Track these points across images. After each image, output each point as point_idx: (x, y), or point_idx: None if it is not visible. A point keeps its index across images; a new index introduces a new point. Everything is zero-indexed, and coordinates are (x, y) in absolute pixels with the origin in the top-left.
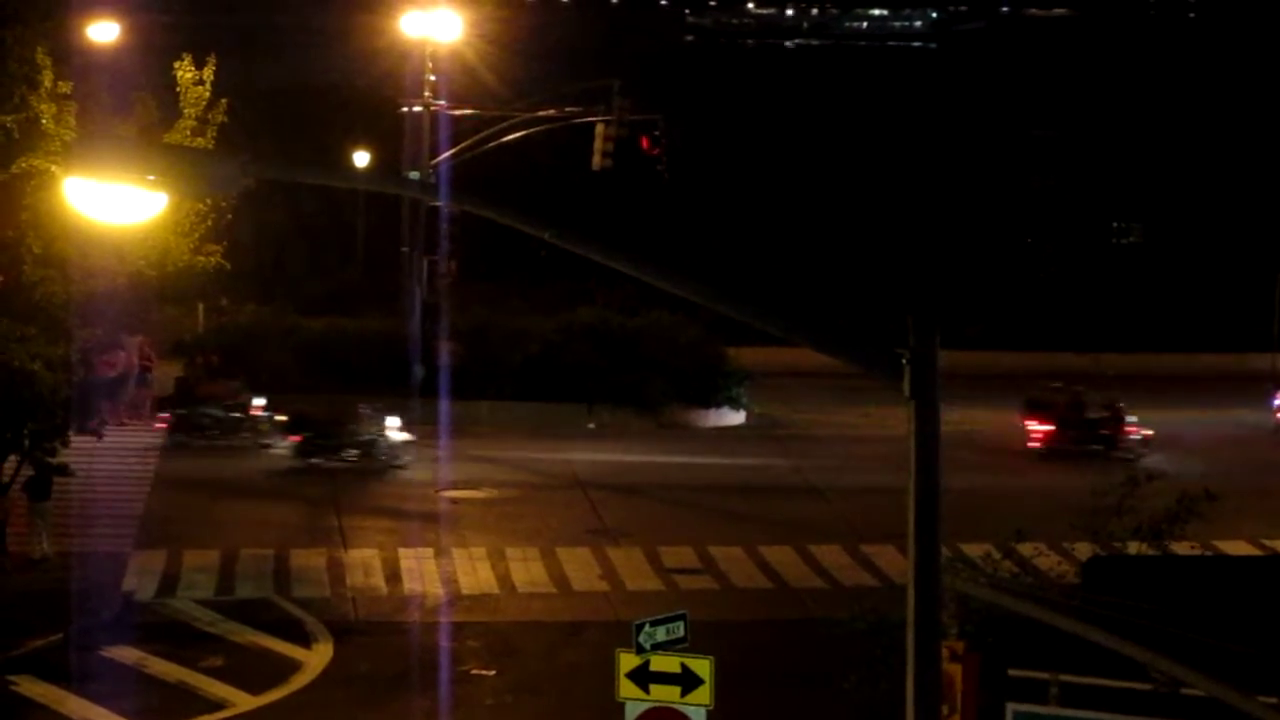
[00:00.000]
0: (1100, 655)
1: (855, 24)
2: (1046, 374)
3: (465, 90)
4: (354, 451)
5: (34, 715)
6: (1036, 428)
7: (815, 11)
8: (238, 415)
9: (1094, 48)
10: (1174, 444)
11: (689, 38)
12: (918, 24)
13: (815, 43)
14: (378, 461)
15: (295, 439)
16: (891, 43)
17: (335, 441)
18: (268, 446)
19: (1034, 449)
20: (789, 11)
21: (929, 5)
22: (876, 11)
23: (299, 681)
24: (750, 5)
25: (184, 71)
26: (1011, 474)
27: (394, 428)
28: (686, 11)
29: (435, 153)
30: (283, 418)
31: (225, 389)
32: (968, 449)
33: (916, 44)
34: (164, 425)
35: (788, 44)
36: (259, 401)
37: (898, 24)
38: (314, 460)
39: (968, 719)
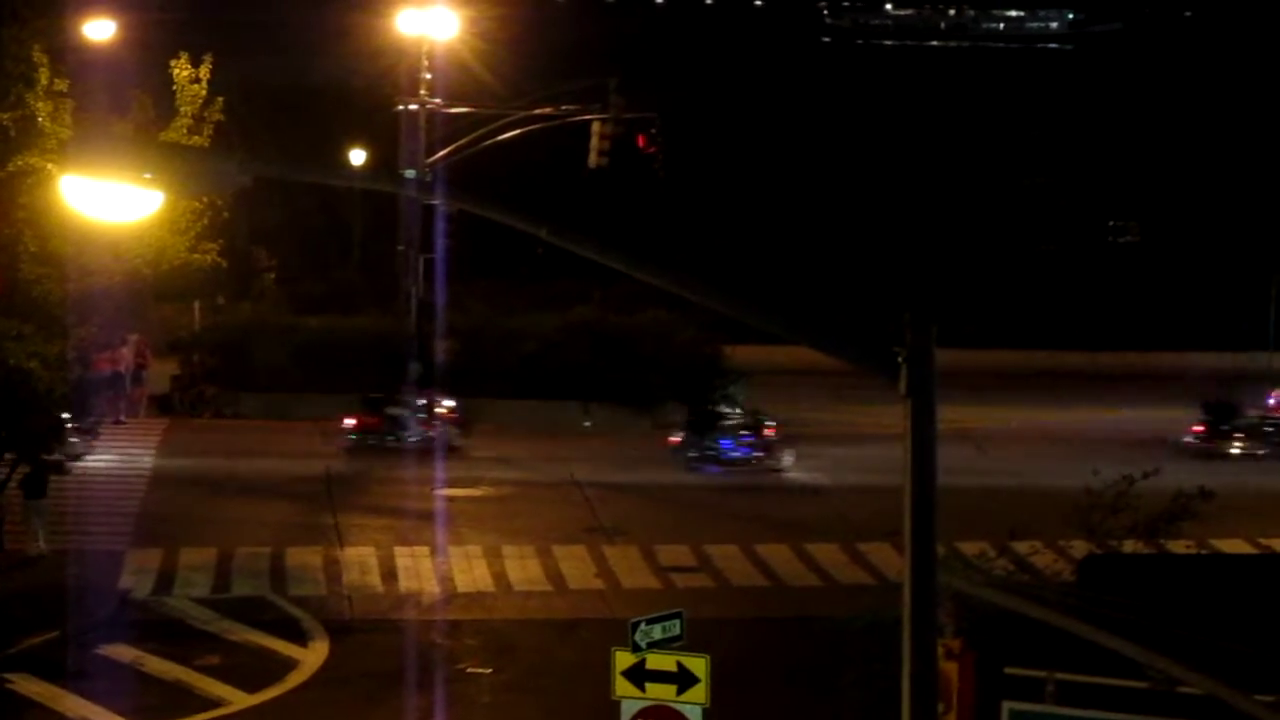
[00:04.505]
0: (1097, 653)
1: (992, 25)
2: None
3: (462, 88)
4: None
5: (30, 713)
6: None
7: (952, 12)
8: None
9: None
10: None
11: (826, 39)
12: (1053, 25)
13: (953, 44)
14: None
15: None
16: (1027, 44)
17: None
18: None
19: None
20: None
21: (1065, 6)
22: (1013, 12)
23: (295, 680)
24: (889, 6)
25: (180, 70)
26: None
27: None
28: (825, 12)
29: (432, 151)
30: None
31: None
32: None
33: (1053, 45)
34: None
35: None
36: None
37: (1034, 25)
38: None
39: (964, 717)
